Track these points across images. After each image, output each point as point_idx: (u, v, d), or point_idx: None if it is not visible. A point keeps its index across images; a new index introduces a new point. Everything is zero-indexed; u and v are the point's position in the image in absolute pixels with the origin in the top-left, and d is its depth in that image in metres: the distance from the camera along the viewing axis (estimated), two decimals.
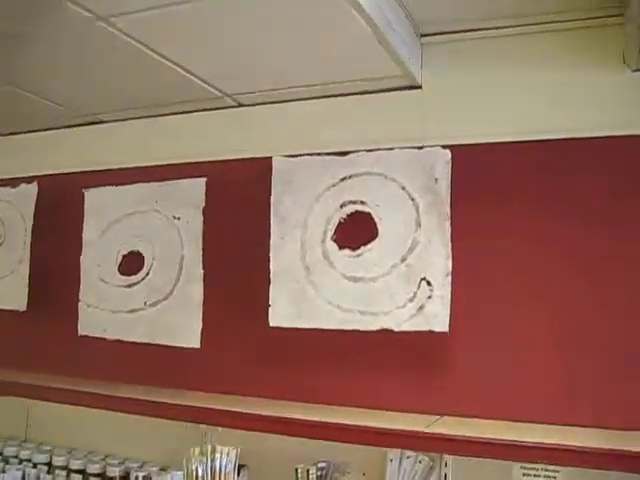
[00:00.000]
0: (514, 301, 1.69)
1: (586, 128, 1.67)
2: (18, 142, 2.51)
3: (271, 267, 1.85)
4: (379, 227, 1.79)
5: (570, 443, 1.54)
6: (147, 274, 2.06)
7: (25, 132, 2.48)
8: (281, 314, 1.83)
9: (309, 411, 1.79)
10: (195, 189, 2.03)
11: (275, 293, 1.84)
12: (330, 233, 1.83)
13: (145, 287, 2.06)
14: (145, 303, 2.05)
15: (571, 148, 1.70)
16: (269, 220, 1.87)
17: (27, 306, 2.23)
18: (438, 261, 1.72)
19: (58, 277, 2.25)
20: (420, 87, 1.89)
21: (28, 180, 2.31)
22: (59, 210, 2.28)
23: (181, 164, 2.08)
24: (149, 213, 2.09)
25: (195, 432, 1.93)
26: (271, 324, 1.83)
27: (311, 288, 1.82)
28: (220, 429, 1.87)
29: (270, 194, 1.88)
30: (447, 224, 1.72)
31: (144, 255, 2.08)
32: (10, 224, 2.32)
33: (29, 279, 2.24)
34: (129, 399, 1.96)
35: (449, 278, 1.69)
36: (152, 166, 2.13)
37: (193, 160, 2.06)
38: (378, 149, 1.82)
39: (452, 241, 1.70)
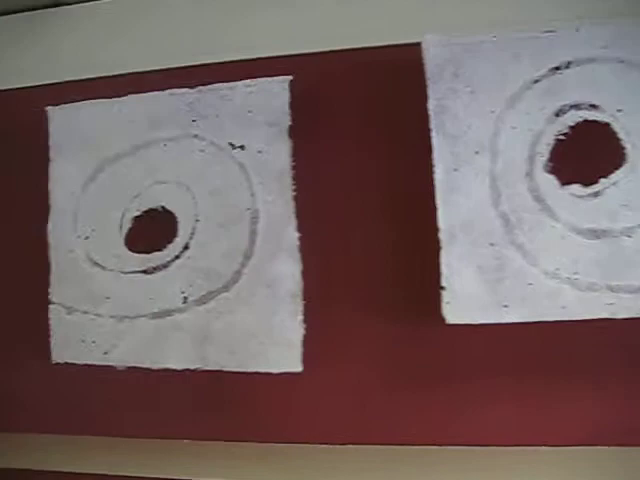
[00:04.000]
0: None
1: None
2: None
3: (440, 222, 1.06)
4: (626, 146, 1.07)
5: None
6: (185, 248, 1.17)
7: None
8: (466, 301, 1.05)
9: None
10: (268, 96, 1.17)
11: (453, 266, 1.05)
12: (542, 159, 1.08)
13: (184, 270, 1.17)
14: (185, 299, 1.16)
15: None
16: (428, 142, 1.08)
17: None
18: None
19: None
20: None
21: None
22: None
23: (241, 61, 1.20)
24: (181, 141, 1.19)
25: None
26: (449, 320, 1.04)
27: (518, 254, 1.06)
28: None
29: (424, 99, 1.08)
30: None
31: (177, 216, 1.18)
32: None
33: None
34: None
35: None
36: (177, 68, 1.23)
37: (270, 53, 1.19)
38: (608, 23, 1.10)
39: None
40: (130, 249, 1.18)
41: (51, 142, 1.23)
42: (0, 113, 1.27)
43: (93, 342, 1.19)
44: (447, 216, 1.06)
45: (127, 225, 1.19)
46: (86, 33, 1.27)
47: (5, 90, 1.25)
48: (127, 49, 1.24)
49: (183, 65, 1.21)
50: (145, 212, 1.18)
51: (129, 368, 1.16)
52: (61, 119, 1.24)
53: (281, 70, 1.16)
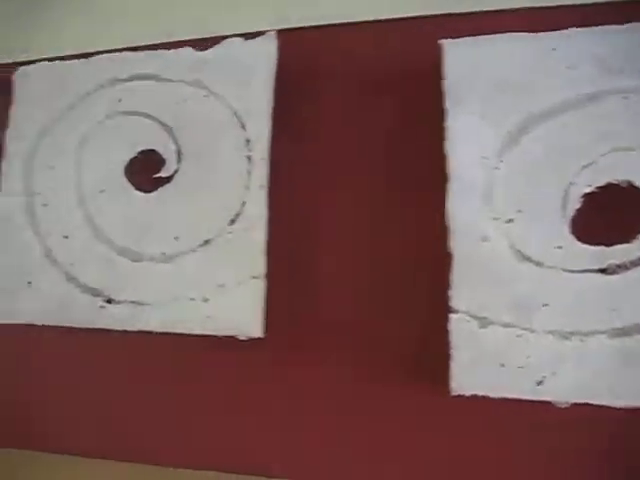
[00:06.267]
0: None
1: None
2: None
3: None
4: None
5: None
6: None
7: None
8: None
9: None
10: None
11: None
12: None
13: None
14: None
15: None
16: None
17: (265, 329, 0.85)
18: None
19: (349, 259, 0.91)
20: None
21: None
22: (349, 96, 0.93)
23: None
24: None
25: None
26: None
27: None
28: None
29: None
30: None
31: None
32: (203, 133, 0.90)
33: (267, 263, 0.86)
34: None
35: None
36: None
37: None
38: None
39: None
40: (579, 239, 0.85)
41: (447, 87, 0.89)
42: (388, 46, 0.91)
43: (520, 367, 0.84)
44: None
45: (573, 205, 0.86)
46: None
47: (396, 20, 0.90)
48: None
49: None
50: (601, 188, 0.85)
51: (575, 405, 0.82)
52: (462, 57, 0.90)
53: None
